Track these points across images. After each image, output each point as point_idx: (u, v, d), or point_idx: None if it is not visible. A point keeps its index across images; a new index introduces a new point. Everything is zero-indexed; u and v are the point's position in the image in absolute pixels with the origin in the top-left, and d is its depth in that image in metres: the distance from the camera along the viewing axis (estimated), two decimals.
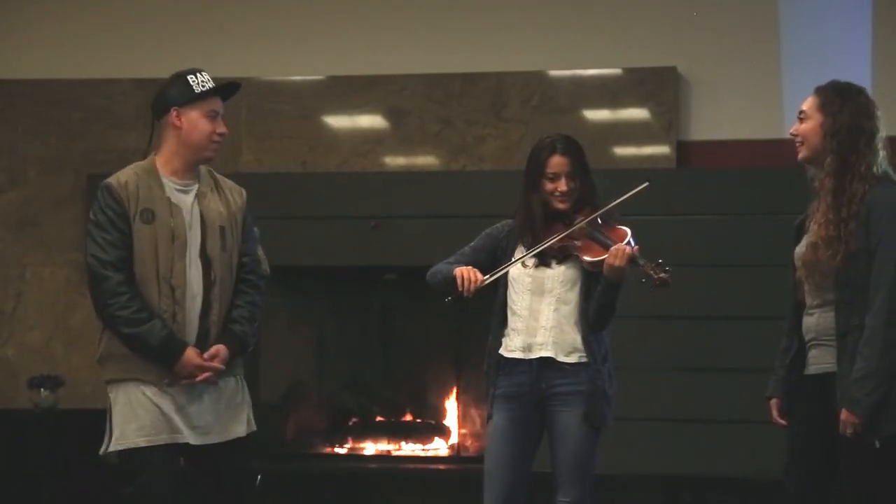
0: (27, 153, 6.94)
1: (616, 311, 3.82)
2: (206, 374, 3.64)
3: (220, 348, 3.68)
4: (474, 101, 6.70)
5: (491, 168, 6.60)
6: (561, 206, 3.86)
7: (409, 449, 6.81)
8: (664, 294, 3.76)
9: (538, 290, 3.83)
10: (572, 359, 3.81)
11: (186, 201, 3.69)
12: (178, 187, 3.70)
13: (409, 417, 6.93)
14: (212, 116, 3.71)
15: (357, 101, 6.81)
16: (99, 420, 3.74)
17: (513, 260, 3.86)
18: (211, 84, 3.72)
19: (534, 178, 3.89)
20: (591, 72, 6.67)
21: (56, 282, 6.89)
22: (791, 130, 3.64)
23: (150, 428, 3.62)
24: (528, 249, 3.84)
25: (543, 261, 3.85)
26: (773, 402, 3.68)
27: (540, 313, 3.83)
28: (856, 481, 3.44)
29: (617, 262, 3.68)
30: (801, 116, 3.61)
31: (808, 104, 3.61)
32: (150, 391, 3.63)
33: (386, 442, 6.84)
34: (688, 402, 6.09)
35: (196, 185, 3.73)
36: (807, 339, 3.58)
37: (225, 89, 3.77)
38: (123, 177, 3.69)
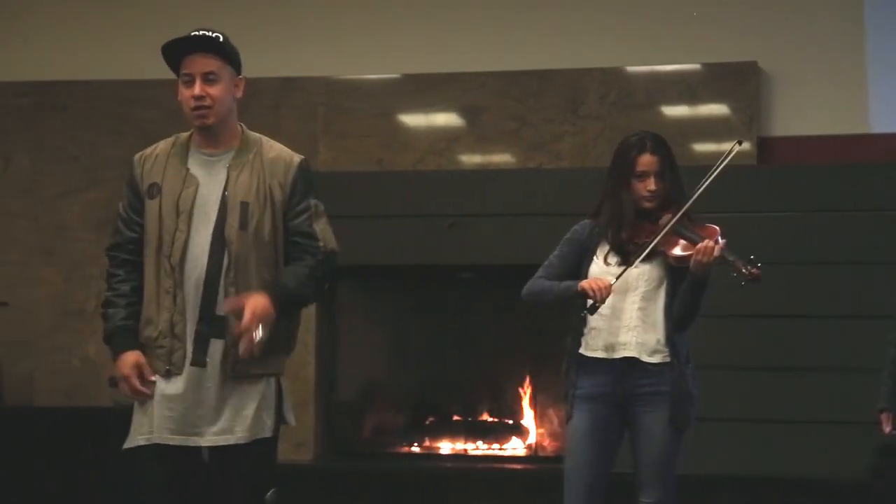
0: (107, 153, 7.01)
1: (701, 309, 3.76)
2: (246, 339, 3.12)
3: (241, 299, 3.13)
4: (551, 98, 6.64)
5: (568, 165, 6.55)
6: (648, 205, 3.80)
7: (485, 448, 6.78)
8: (747, 293, 3.69)
9: (622, 289, 3.76)
10: (656, 359, 3.75)
11: (210, 172, 3.31)
12: (204, 157, 3.34)
13: (485, 417, 6.90)
14: (185, 81, 3.32)
15: (433, 99, 6.79)
16: None
17: (598, 259, 3.79)
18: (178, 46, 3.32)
19: (622, 176, 3.82)
20: (669, 67, 6.59)
21: None
22: None
23: (146, 427, 3.26)
24: (618, 248, 3.77)
25: (626, 259, 3.79)
26: (885, 415, 3.59)
27: (623, 312, 3.77)
28: None
29: (704, 259, 3.63)
30: None
31: None
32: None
33: (462, 441, 6.82)
34: (773, 402, 6.00)
35: (229, 155, 3.33)
36: None
37: (185, 45, 3.32)
38: (150, 149, 3.40)
